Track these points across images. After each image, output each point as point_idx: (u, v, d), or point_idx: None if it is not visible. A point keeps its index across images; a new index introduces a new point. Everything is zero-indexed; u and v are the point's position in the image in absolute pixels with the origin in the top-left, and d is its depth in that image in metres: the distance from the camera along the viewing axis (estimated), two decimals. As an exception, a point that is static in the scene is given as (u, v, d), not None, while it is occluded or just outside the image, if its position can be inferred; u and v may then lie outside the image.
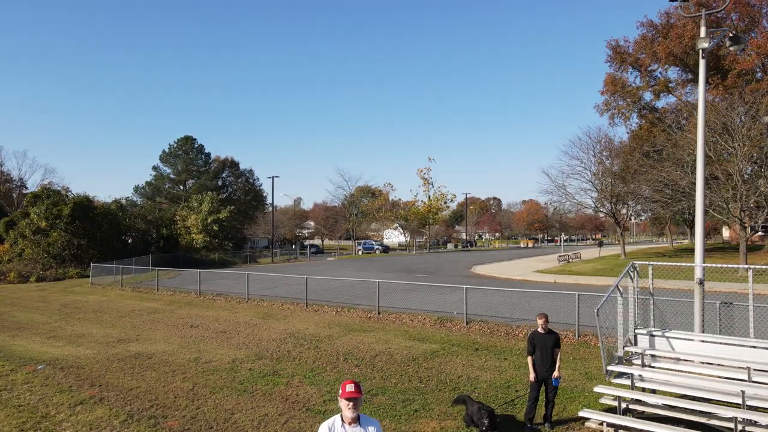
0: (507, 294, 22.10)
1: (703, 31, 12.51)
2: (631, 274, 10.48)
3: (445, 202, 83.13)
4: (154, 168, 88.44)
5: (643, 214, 57.10)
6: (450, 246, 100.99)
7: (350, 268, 45.61)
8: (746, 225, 30.43)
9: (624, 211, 52.96)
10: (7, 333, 18.37)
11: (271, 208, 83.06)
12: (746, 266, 10.05)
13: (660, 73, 49.42)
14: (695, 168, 33.93)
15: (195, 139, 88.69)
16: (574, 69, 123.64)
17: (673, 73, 49.03)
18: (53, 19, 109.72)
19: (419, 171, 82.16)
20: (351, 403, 4.53)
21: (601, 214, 55.33)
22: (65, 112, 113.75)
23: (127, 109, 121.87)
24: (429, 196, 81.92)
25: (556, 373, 8.96)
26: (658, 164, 38.65)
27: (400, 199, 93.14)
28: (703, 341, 9.84)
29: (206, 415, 9.61)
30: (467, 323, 16.95)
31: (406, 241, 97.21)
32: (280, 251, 67.23)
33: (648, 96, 51.18)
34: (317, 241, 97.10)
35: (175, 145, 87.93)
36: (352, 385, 4.59)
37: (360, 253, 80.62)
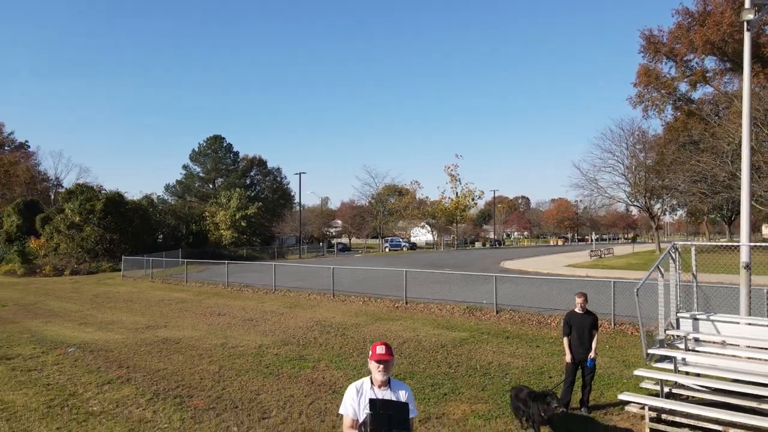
0: (538, 283, 21.54)
1: (747, 1, 11.84)
2: (673, 254, 9.96)
3: (473, 199, 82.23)
4: (184, 167, 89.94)
5: (678, 209, 55.35)
6: (478, 244, 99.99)
7: (377, 263, 45.38)
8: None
9: (658, 206, 51.50)
10: (41, 319, 18.68)
11: (298, 207, 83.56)
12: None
13: (696, 63, 47.84)
14: (735, 157, 32.70)
15: (224, 138, 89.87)
16: (606, 61, 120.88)
17: (710, 62, 47.41)
18: (91, 23, 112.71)
19: (446, 167, 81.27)
20: (381, 366, 4.25)
21: (635, 210, 53.79)
22: (98, 113, 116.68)
23: (159, 109, 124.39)
24: (456, 193, 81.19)
25: (591, 354, 8.53)
26: (695, 156, 37.38)
27: (427, 197, 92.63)
28: (750, 324, 9.28)
29: (231, 395, 9.47)
30: (497, 312, 16.51)
31: (434, 239, 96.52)
32: (308, 248, 67.45)
33: (684, 87, 49.61)
34: (344, 240, 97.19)
35: (205, 144, 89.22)
36: (383, 346, 4.31)
37: (387, 250, 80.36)
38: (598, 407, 8.64)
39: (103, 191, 50.95)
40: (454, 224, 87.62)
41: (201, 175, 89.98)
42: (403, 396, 4.29)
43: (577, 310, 8.78)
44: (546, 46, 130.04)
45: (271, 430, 7.84)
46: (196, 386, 10.10)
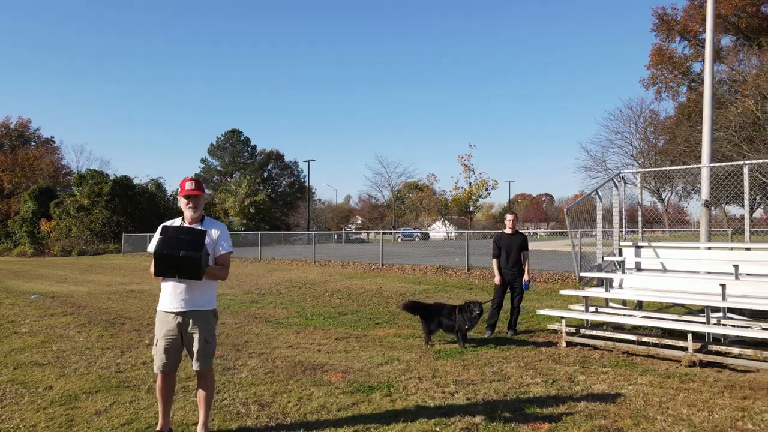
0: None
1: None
2: (616, 181, 9.57)
3: (486, 189, 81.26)
4: (203, 161, 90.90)
5: (689, 193, 53.75)
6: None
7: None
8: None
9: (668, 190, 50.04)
10: (24, 280, 18.98)
11: (315, 200, 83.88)
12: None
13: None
14: (738, 129, 31.60)
15: (241, 132, 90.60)
16: (622, 44, 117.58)
17: (726, 40, 45.90)
18: (115, 18, 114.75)
19: (459, 157, 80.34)
20: (190, 202, 4.09)
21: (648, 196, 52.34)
22: (120, 108, 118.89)
23: (177, 104, 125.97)
24: (470, 183, 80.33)
25: (526, 277, 8.24)
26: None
27: (444, 191, 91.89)
28: (694, 247, 8.88)
29: (162, 321, 9.42)
30: (468, 270, 16.20)
31: (448, 233, 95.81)
32: (317, 237, 67.41)
33: (698, 66, 48.13)
34: (363, 236, 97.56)
35: (223, 138, 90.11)
36: (192, 182, 4.14)
37: (399, 240, 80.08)
38: (526, 332, 8.33)
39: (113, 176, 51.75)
40: (469, 215, 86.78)
41: (219, 168, 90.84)
42: (214, 233, 4.13)
43: (506, 230, 8.50)
44: (589, 21, 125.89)
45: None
46: (132, 317, 10.10)
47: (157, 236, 3.91)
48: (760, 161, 9.56)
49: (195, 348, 3.96)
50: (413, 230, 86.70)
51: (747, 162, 8.31)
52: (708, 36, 11.02)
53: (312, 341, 7.73)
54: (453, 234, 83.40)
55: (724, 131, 32.36)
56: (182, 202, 4.11)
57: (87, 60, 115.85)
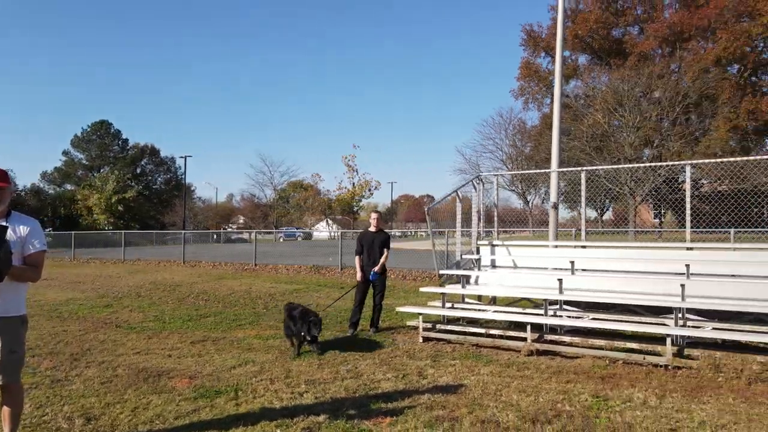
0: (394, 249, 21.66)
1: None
2: (476, 183, 10.14)
3: (369, 189, 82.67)
4: (65, 153, 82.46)
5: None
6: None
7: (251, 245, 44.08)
8: (635, 197, 31.65)
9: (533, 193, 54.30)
10: None
11: (194, 198, 79.68)
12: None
13: (571, 58, 51.00)
14: (590, 140, 35.09)
15: (111, 124, 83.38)
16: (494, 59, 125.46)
17: (582, 59, 50.73)
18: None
19: (344, 158, 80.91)
20: (-5, 193, 3.63)
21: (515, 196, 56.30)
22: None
23: (33, 88, 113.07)
24: (353, 183, 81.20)
25: (376, 268, 8.27)
26: (567, 146, 39.79)
27: (329, 191, 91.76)
28: (544, 246, 9.65)
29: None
30: (342, 269, 16.29)
31: (330, 233, 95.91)
32: (193, 237, 64.18)
33: (559, 81, 52.70)
34: (245, 236, 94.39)
35: (89, 130, 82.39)
36: (-2, 171, 3.69)
37: (281, 240, 78.78)
38: (388, 329, 8.51)
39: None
40: (353, 215, 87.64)
41: (84, 162, 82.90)
42: (23, 230, 3.71)
43: (371, 228, 8.62)
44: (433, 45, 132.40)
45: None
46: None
47: None
48: (594, 168, 10.63)
49: (-3, 360, 3.51)
50: (295, 230, 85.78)
51: (584, 168, 9.17)
52: (557, 59, 12.06)
53: (164, 346, 7.28)
54: (336, 234, 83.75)
55: (578, 141, 35.75)
56: (-17, 195, 3.63)
57: None
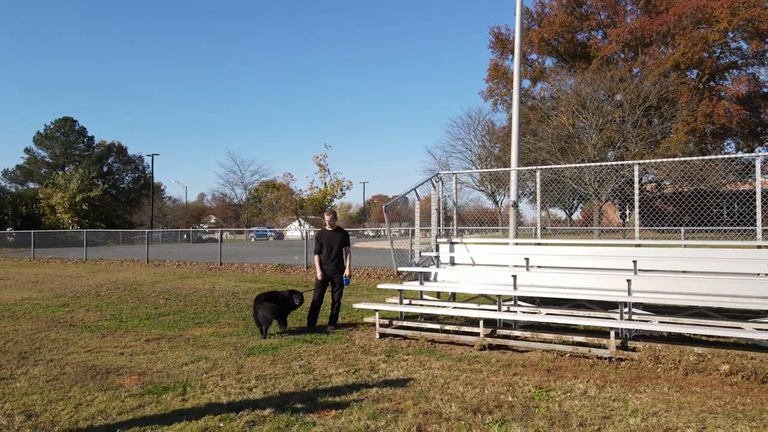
0: (365, 248, 21.77)
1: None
2: (434, 182, 10.27)
3: (341, 189, 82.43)
4: (27, 150, 79.99)
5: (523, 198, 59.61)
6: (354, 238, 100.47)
7: (229, 247, 43.61)
8: (600, 197, 32.42)
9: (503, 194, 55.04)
10: None
11: (164, 197, 78.21)
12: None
13: (539, 61, 51.82)
14: (555, 140, 35.77)
15: (75, 121, 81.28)
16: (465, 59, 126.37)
17: (549, 61, 51.59)
18: None
19: (315, 157, 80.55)
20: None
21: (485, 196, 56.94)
22: None
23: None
24: (325, 183, 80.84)
25: (346, 272, 8.42)
26: (534, 147, 40.46)
27: (301, 191, 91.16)
28: (503, 243, 9.83)
29: (-65, 331, 8.11)
30: (307, 267, 16.28)
31: (303, 232, 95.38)
32: (162, 236, 63.05)
33: (527, 83, 53.51)
34: (216, 236, 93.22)
35: (52, 127, 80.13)
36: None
37: (253, 239, 78.00)
38: (346, 325, 8.56)
39: None
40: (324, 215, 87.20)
41: (48, 160, 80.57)
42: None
43: (327, 227, 8.66)
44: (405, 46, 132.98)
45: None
46: None
47: None
48: (548, 167, 10.86)
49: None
50: (267, 230, 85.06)
51: (539, 167, 9.38)
52: (516, 58, 12.28)
53: (117, 344, 7.19)
54: (309, 233, 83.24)
55: (544, 142, 36.39)
56: None
57: None
